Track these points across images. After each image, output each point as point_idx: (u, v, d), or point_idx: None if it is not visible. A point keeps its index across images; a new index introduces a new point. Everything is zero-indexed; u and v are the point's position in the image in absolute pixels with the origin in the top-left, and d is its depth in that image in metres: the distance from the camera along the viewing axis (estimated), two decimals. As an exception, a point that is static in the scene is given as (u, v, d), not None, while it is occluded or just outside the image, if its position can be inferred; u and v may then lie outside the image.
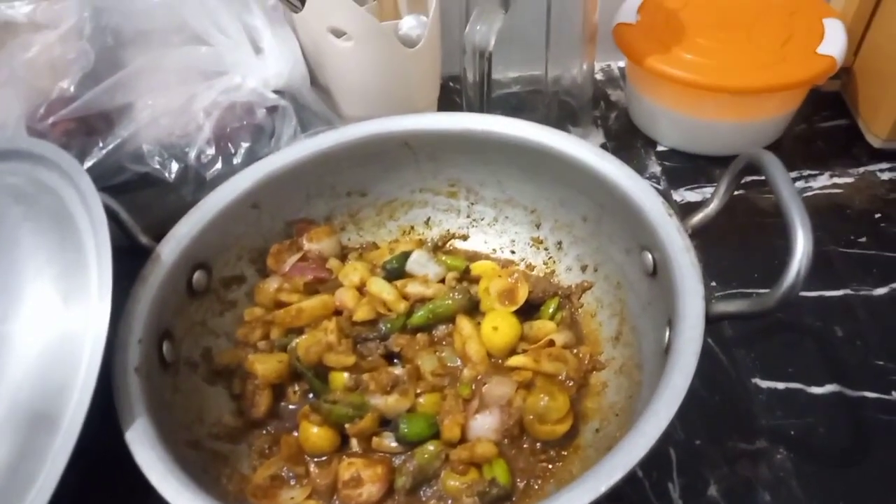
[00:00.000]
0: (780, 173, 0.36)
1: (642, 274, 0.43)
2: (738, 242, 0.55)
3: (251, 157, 0.49)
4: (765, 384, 0.47)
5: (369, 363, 0.43)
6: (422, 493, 0.40)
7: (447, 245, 0.53)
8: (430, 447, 0.40)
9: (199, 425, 0.41)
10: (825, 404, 0.46)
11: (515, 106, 0.64)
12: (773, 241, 0.54)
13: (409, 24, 0.56)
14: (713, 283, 0.53)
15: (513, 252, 0.52)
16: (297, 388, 0.44)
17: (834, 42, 0.57)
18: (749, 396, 0.46)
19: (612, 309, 0.46)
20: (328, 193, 0.51)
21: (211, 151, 0.49)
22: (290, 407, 0.44)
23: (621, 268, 0.46)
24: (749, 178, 0.55)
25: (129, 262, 0.41)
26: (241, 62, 0.50)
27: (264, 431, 0.43)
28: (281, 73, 0.50)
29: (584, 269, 0.49)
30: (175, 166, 0.48)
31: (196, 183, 0.49)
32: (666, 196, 0.59)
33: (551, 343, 0.45)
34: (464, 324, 0.45)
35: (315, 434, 0.41)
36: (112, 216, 0.41)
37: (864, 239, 0.55)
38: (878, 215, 0.57)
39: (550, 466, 0.40)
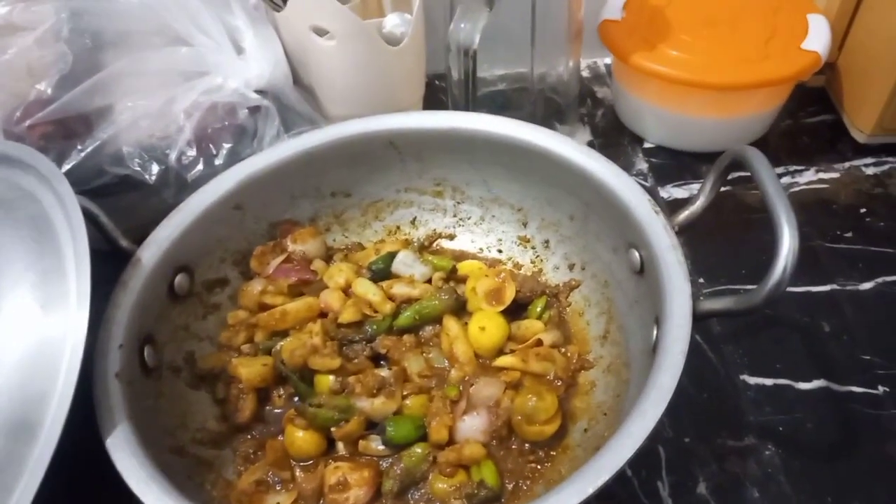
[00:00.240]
0: (766, 170, 0.36)
1: (629, 272, 0.43)
2: (726, 238, 0.55)
3: (233, 159, 0.48)
4: (753, 380, 0.47)
5: (355, 365, 0.43)
6: (409, 496, 0.40)
7: (434, 245, 0.52)
8: (418, 449, 0.40)
9: (182, 431, 0.41)
10: (813, 400, 0.46)
11: (501, 104, 0.64)
12: (761, 237, 0.53)
13: (392, 22, 0.56)
14: (701, 280, 0.53)
15: (500, 251, 0.52)
16: (282, 391, 0.44)
17: (818, 38, 0.57)
18: (737, 393, 0.46)
19: (599, 307, 0.46)
20: (313, 194, 0.50)
21: (192, 153, 0.48)
22: (276, 411, 0.43)
23: (608, 266, 0.46)
24: (736, 175, 0.55)
25: (110, 265, 0.40)
26: (222, 63, 0.49)
27: (249, 436, 0.42)
28: (263, 73, 0.50)
29: (571, 267, 0.49)
30: (156, 168, 0.48)
31: (177, 185, 0.48)
32: (653, 193, 0.59)
33: (539, 343, 0.44)
34: (451, 324, 0.45)
35: (300, 438, 0.40)
36: (92, 220, 0.41)
37: (850, 234, 0.55)
38: (863, 210, 0.57)
39: (539, 467, 0.40)
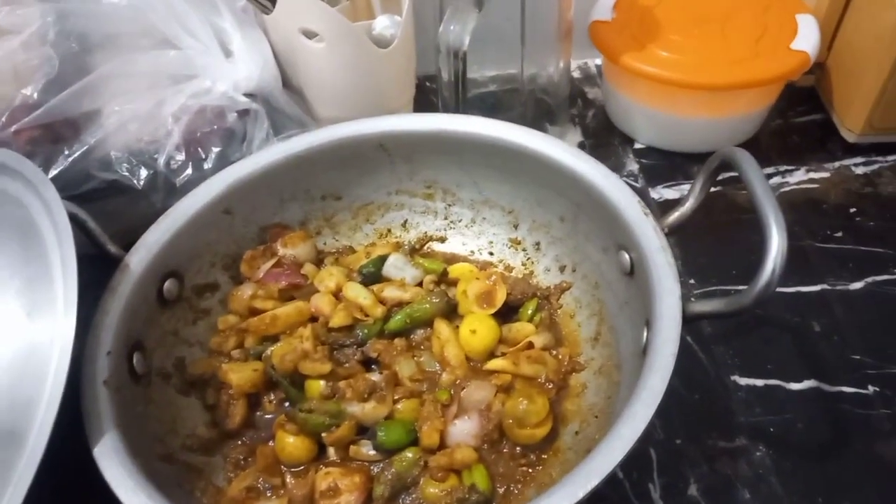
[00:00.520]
0: (754, 171, 0.36)
1: (620, 273, 0.43)
2: (717, 239, 0.55)
3: (223, 162, 0.48)
4: (743, 381, 0.47)
5: (346, 370, 0.43)
6: (401, 501, 0.39)
7: (425, 248, 0.52)
8: (409, 454, 0.40)
9: (172, 437, 0.41)
10: (803, 400, 0.46)
11: (492, 105, 0.64)
12: (752, 237, 0.53)
13: (382, 23, 0.55)
14: (692, 281, 0.53)
15: (491, 253, 0.52)
16: (272, 397, 0.43)
17: (807, 37, 0.57)
18: (728, 394, 0.46)
19: (590, 309, 0.46)
20: (302, 197, 0.50)
21: (181, 157, 0.48)
22: (266, 416, 0.43)
23: (599, 267, 0.46)
24: (726, 175, 0.55)
25: (99, 271, 0.40)
26: (210, 66, 0.49)
27: (239, 442, 0.42)
28: (251, 76, 0.50)
29: (562, 269, 0.49)
30: (144, 173, 0.47)
31: (166, 189, 0.48)
32: (644, 194, 0.59)
33: (530, 345, 0.44)
34: (442, 328, 0.45)
35: (291, 444, 0.40)
36: (79, 225, 0.41)
37: (840, 234, 0.55)
38: (853, 210, 0.57)
39: (530, 470, 0.40)
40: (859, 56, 0.58)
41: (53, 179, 0.44)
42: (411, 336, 0.45)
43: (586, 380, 0.43)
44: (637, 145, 0.63)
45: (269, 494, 0.40)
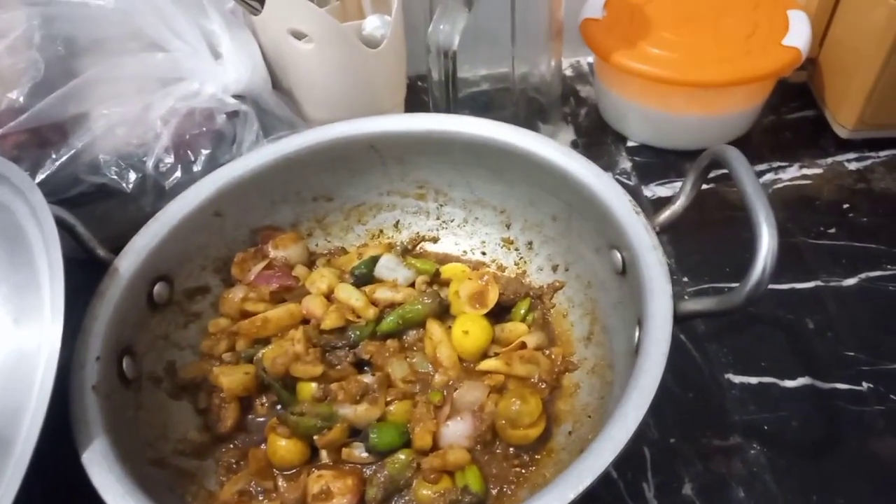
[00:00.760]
0: (744, 169, 0.36)
1: (612, 273, 0.43)
2: (709, 236, 0.55)
3: (212, 165, 0.47)
4: (737, 379, 0.46)
5: (338, 372, 0.42)
6: (394, 503, 0.39)
7: (417, 248, 0.52)
8: (401, 456, 0.40)
9: (163, 442, 0.40)
10: (798, 397, 0.46)
11: (484, 104, 0.63)
12: (744, 234, 0.53)
13: (372, 24, 0.55)
14: (685, 279, 0.52)
15: (483, 253, 0.51)
16: (264, 400, 0.43)
17: (798, 33, 0.57)
18: (722, 392, 0.46)
19: (583, 308, 0.46)
20: (293, 199, 0.50)
21: (170, 160, 0.47)
22: (258, 420, 0.43)
23: (592, 267, 0.45)
24: (718, 172, 0.55)
25: (88, 275, 0.40)
26: (199, 68, 0.49)
27: (231, 446, 0.42)
28: (241, 78, 0.49)
29: (555, 268, 0.49)
30: (133, 176, 0.47)
31: (155, 193, 0.47)
32: (636, 192, 0.59)
33: (523, 345, 0.44)
34: (434, 328, 0.45)
35: (283, 447, 0.40)
36: (68, 229, 0.40)
37: (833, 230, 0.55)
38: (846, 206, 0.57)
39: (524, 471, 0.40)
40: (851, 51, 0.58)
41: (41, 184, 0.44)
42: (404, 337, 0.45)
43: (579, 379, 0.43)
44: (630, 143, 0.63)
45: (261, 498, 0.39)
